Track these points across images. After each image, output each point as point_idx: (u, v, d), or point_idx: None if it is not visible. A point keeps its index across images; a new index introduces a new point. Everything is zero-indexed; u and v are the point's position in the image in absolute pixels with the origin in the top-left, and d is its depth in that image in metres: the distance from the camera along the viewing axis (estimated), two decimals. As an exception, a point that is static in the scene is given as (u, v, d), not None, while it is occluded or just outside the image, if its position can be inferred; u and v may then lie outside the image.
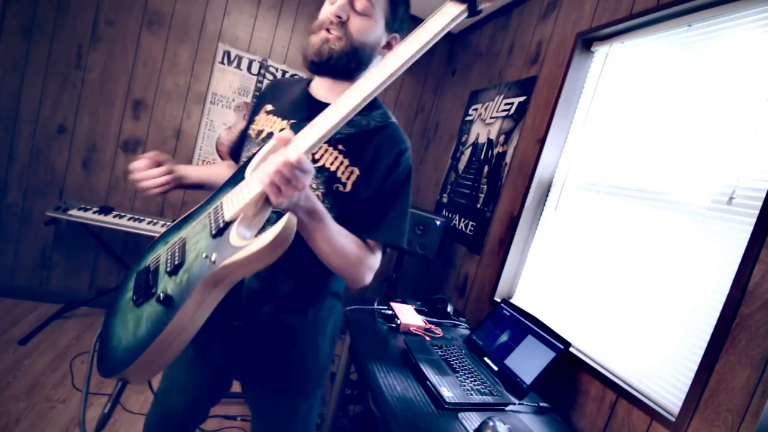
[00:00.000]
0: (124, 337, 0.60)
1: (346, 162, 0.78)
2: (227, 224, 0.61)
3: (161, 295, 0.59)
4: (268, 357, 0.82)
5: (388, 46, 0.83)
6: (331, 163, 0.77)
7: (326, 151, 0.78)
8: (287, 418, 0.87)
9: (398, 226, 0.81)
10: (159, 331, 0.56)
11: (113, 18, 2.29)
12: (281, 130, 0.81)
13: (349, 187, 0.78)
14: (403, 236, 0.81)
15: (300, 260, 0.75)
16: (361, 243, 0.77)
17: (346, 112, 0.57)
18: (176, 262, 0.62)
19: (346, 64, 0.77)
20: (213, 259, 0.58)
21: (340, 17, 0.75)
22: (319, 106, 0.71)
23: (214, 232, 0.61)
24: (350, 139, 0.79)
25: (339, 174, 0.77)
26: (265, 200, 0.61)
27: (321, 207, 0.67)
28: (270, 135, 0.81)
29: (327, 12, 0.77)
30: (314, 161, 0.77)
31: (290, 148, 0.57)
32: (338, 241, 0.71)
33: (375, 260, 0.79)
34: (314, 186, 0.77)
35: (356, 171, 0.78)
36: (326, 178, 0.77)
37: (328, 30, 0.76)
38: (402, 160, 0.81)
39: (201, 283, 0.57)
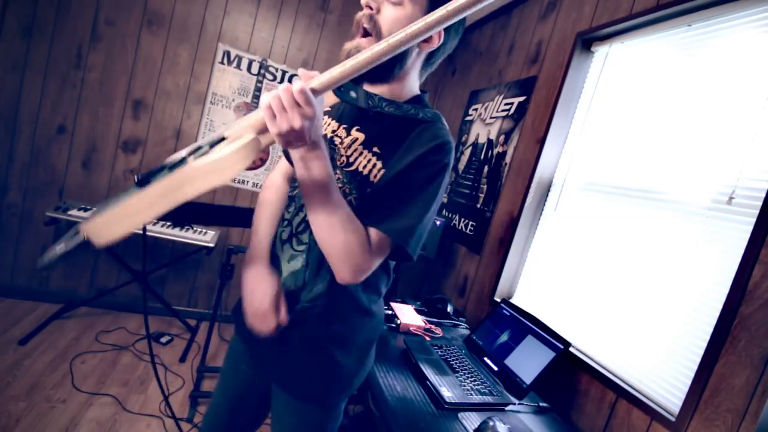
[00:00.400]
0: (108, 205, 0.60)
1: (379, 165, 0.73)
2: (222, 139, 0.61)
3: (138, 177, 0.60)
4: (286, 359, 0.81)
5: (429, 40, 0.73)
6: (364, 167, 0.74)
7: (360, 153, 0.74)
8: (295, 423, 0.84)
9: (409, 222, 0.69)
10: (122, 200, 0.57)
11: (113, 18, 2.29)
12: (333, 131, 0.79)
13: (376, 180, 0.74)
14: (411, 236, 0.69)
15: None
16: (361, 231, 0.67)
17: (367, 55, 0.52)
18: (175, 163, 0.60)
19: (378, 68, 0.62)
20: (188, 161, 0.58)
21: (370, 8, 0.70)
22: (366, 110, 0.71)
23: (211, 144, 0.61)
24: (390, 129, 0.74)
25: (371, 177, 0.73)
26: (264, 130, 0.59)
27: (327, 168, 0.62)
28: (323, 137, 0.77)
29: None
30: (348, 165, 0.74)
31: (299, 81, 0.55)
32: (339, 209, 0.65)
33: (369, 260, 0.69)
34: (347, 191, 0.73)
35: (379, 165, 0.74)
36: (358, 182, 0.73)
37: (363, 32, 0.71)
38: (438, 150, 0.70)
39: (166, 179, 0.57)
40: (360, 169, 0.74)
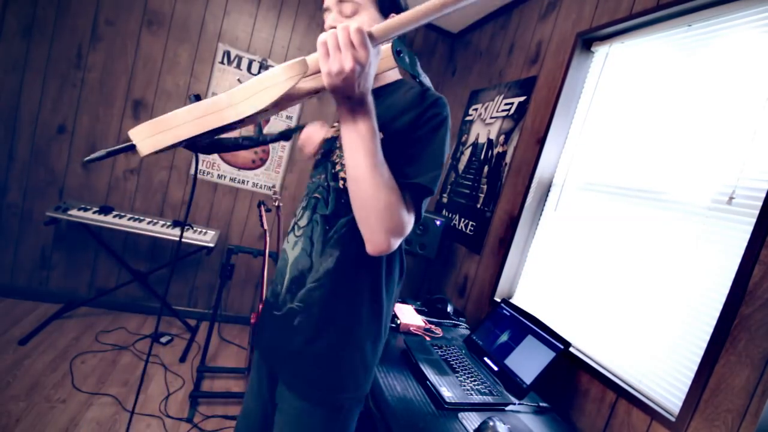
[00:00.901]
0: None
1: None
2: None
3: (193, 95, 0.62)
4: (288, 350, 0.79)
5: None
6: None
7: None
8: (294, 421, 0.81)
9: (429, 169, 0.69)
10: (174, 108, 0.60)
11: (113, 18, 2.29)
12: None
13: None
14: (435, 183, 0.69)
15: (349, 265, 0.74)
16: (398, 189, 0.66)
17: (429, 7, 0.50)
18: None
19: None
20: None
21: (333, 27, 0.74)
22: None
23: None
24: (380, 100, 0.76)
25: None
26: (316, 70, 0.58)
27: (373, 124, 0.61)
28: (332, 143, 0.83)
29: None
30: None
31: None
32: (382, 166, 0.63)
33: (408, 218, 0.68)
34: (339, 167, 0.75)
35: (380, 135, 0.73)
36: None
37: None
38: (433, 107, 0.72)
39: (213, 98, 0.58)
40: None
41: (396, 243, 0.67)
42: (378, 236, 0.65)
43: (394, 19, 0.53)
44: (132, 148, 0.61)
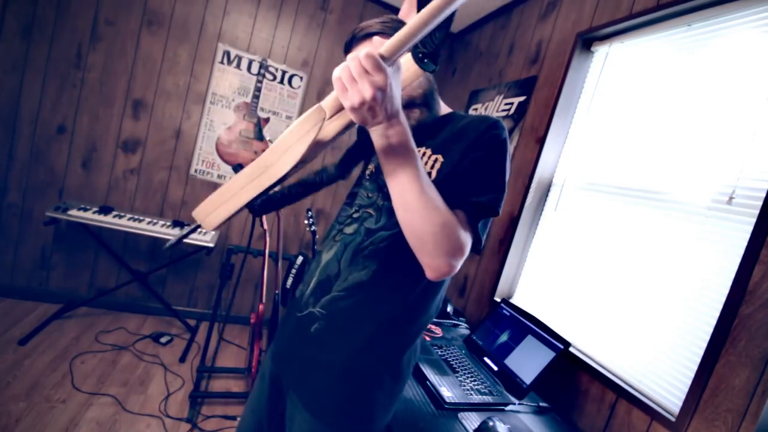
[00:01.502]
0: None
1: (429, 152, 0.73)
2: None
3: (235, 165, 0.68)
4: (303, 356, 0.76)
5: None
6: (425, 164, 0.72)
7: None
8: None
9: (489, 189, 0.66)
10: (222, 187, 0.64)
11: (113, 18, 2.29)
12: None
13: (434, 176, 0.70)
14: (497, 203, 0.66)
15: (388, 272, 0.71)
16: (451, 212, 0.62)
17: (429, 10, 0.48)
18: None
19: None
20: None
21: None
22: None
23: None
24: (437, 128, 0.76)
25: (433, 172, 0.71)
26: (340, 108, 0.59)
27: (409, 141, 0.57)
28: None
29: None
30: None
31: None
32: (428, 187, 0.59)
33: (466, 241, 0.64)
34: None
35: (440, 158, 0.71)
36: None
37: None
38: (492, 129, 0.70)
39: (252, 163, 0.63)
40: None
41: (457, 264, 0.63)
42: (438, 260, 0.61)
43: (400, 31, 0.50)
44: (198, 228, 0.69)
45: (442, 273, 0.62)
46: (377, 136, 0.56)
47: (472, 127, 0.72)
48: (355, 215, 0.79)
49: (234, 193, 0.62)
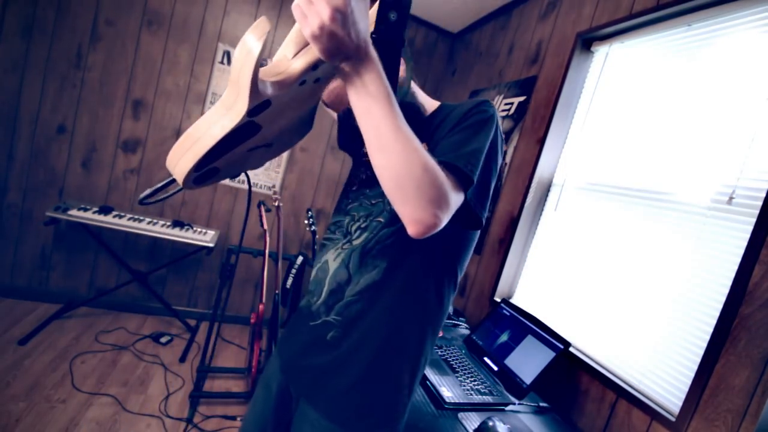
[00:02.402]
0: None
1: (425, 146, 0.72)
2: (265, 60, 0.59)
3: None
4: (319, 364, 0.74)
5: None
6: None
7: None
8: None
9: (468, 155, 0.61)
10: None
11: (113, 18, 2.29)
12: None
13: None
14: (473, 170, 0.61)
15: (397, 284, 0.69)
16: (436, 162, 0.57)
17: None
18: None
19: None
20: None
21: None
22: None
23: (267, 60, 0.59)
24: (427, 127, 0.74)
25: None
26: (304, 42, 0.56)
27: (383, 82, 0.52)
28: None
29: None
30: None
31: None
32: (406, 127, 0.54)
33: (450, 196, 0.57)
34: None
35: (425, 146, 0.71)
36: None
37: None
38: (480, 107, 0.67)
39: (216, 104, 0.58)
40: None
41: (443, 217, 0.56)
42: (420, 211, 0.54)
43: None
44: (173, 182, 0.63)
45: (427, 225, 0.54)
46: (347, 72, 0.52)
47: (459, 109, 0.70)
48: (362, 225, 0.77)
49: (199, 137, 0.57)
